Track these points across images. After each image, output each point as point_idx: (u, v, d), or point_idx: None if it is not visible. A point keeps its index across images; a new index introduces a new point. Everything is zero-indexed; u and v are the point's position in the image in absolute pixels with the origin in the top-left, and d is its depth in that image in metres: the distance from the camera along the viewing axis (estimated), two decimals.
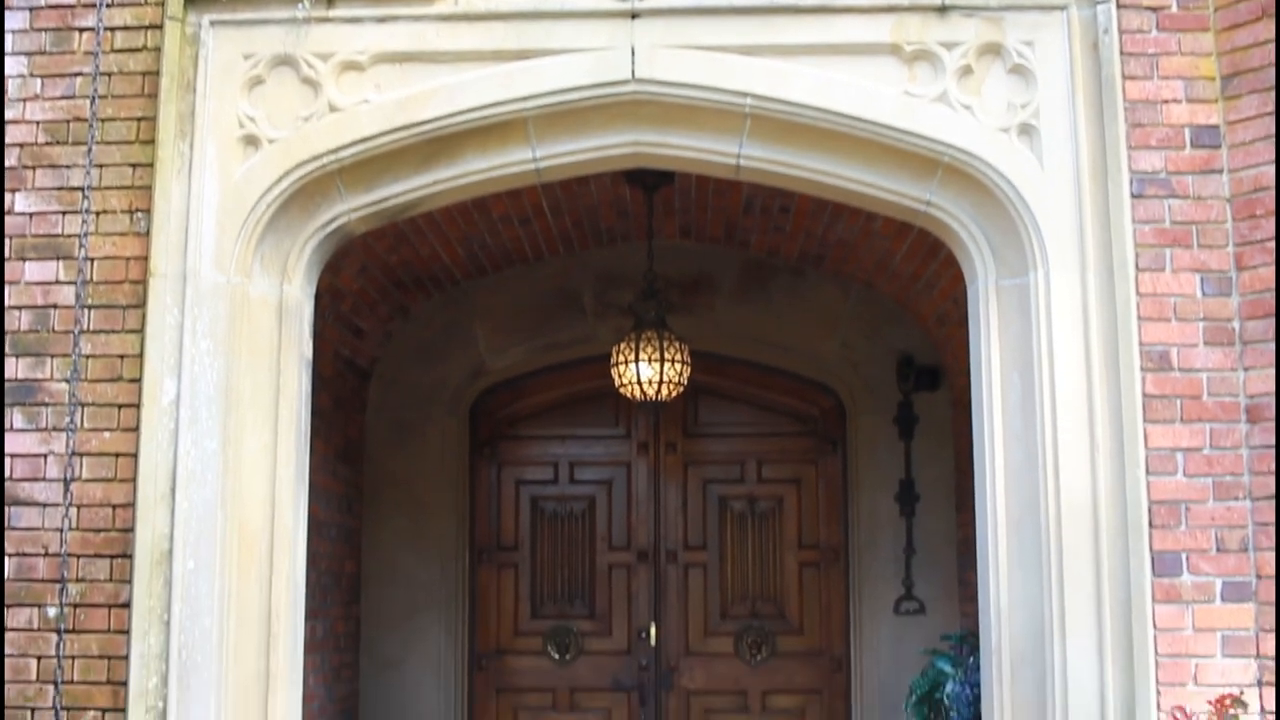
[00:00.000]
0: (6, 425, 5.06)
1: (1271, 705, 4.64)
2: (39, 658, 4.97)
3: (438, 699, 8.13)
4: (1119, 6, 5.04)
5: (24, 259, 5.15)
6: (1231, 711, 3.90)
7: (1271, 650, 4.68)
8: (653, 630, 8.27)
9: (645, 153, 5.43)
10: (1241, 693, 4.16)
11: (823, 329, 8.28)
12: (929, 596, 8.02)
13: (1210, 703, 3.96)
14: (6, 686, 4.94)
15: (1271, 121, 4.84)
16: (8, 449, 5.05)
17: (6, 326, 5.11)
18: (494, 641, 8.38)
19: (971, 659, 6.45)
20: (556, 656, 8.32)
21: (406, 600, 8.17)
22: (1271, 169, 4.81)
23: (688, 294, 8.26)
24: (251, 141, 5.18)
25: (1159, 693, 4.71)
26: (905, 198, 5.29)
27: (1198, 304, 4.91)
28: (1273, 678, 4.66)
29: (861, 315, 8.26)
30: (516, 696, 8.35)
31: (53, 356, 5.10)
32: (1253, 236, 4.87)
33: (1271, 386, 4.77)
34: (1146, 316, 4.91)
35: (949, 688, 6.56)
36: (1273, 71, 4.85)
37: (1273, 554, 4.71)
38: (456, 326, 8.37)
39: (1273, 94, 4.86)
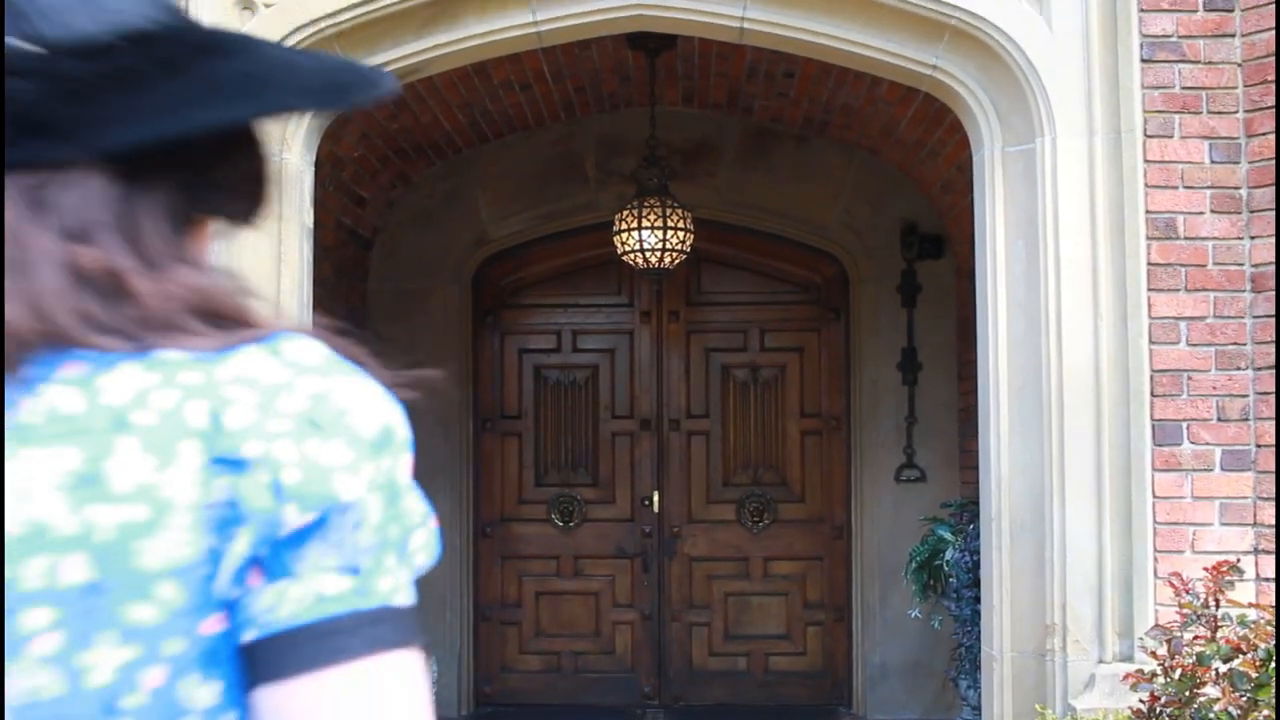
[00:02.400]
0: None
1: (1268, 572, 4.70)
2: None
3: (443, 566, 8.23)
4: None
5: None
6: (1228, 578, 3.94)
7: (1269, 518, 4.73)
8: (655, 498, 8.35)
9: (648, 15, 5.35)
10: (1238, 560, 4.20)
11: (826, 196, 8.23)
12: (930, 465, 8.08)
13: (1207, 569, 4.00)
14: None
15: None
16: None
17: None
18: (498, 509, 8.47)
19: (971, 526, 6.52)
20: (560, 524, 8.42)
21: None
22: None
23: (690, 161, 8.19)
24: (247, 6, 5.10)
25: (1156, 560, 4.77)
26: (911, 62, 5.22)
27: (1205, 171, 4.87)
28: (1270, 545, 4.71)
29: (865, 183, 8.20)
30: (521, 563, 8.46)
31: None
32: (1263, 102, 4.80)
33: (1275, 255, 4.75)
34: (1153, 184, 4.87)
35: (949, 555, 6.65)
36: None
37: (1273, 423, 4.73)
38: (458, 195, 8.32)
39: None
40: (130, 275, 0.95)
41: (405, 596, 0.95)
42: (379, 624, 0.92)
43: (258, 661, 0.91)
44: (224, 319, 0.96)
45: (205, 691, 0.91)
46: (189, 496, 0.90)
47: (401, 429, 1.02)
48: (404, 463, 1.01)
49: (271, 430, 0.91)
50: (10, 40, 0.96)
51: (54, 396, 0.91)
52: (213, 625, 0.91)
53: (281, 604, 0.91)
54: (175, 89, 1.00)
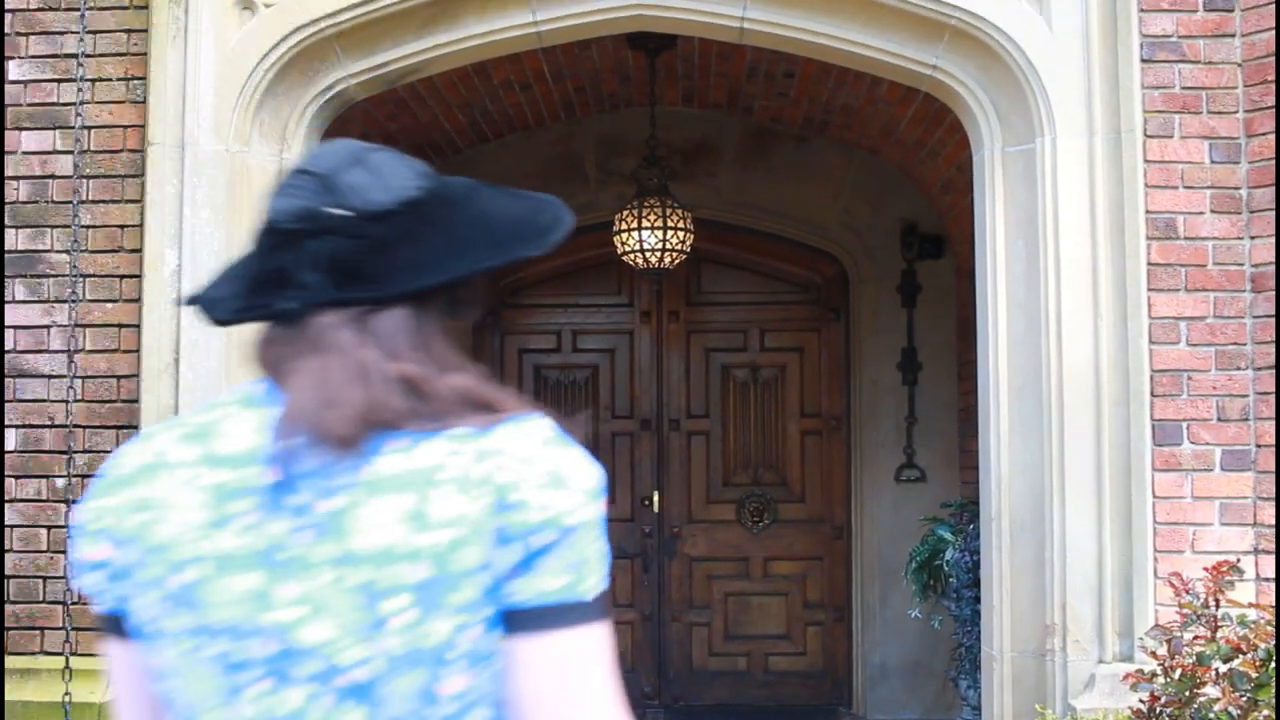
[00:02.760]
0: (8, 297, 5.06)
1: (1268, 572, 4.70)
2: (49, 527, 5.02)
3: None
4: None
5: (20, 128, 5.10)
6: (1228, 578, 3.94)
7: (1269, 518, 4.73)
8: (655, 498, 8.35)
9: (648, 15, 5.35)
10: (1238, 560, 4.20)
11: (826, 196, 8.23)
12: (930, 465, 8.08)
13: (1207, 569, 4.00)
14: (19, 555, 5.00)
15: None
16: (10, 320, 5.05)
17: (5, 197, 5.08)
18: None
19: (971, 526, 6.52)
20: None
21: None
22: None
23: (690, 161, 8.19)
24: (247, 6, 5.10)
25: (1156, 560, 4.77)
26: (911, 62, 5.22)
27: (1205, 171, 4.87)
28: (1270, 545, 4.71)
29: (865, 183, 8.21)
30: None
31: (52, 227, 5.08)
32: (1263, 102, 4.80)
33: (1275, 255, 4.74)
34: (1153, 184, 4.87)
35: (949, 555, 6.65)
36: None
37: (1273, 423, 4.73)
38: None
39: None
40: (428, 381, 1.42)
41: (598, 592, 1.43)
42: (580, 609, 1.41)
43: (511, 623, 1.39)
44: (483, 405, 1.42)
45: (486, 642, 1.39)
46: (480, 525, 1.37)
47: (601, 484, 1.47)
48: (603, 505, 1.47)
49: (528, 483, 1.39)
50: (330, 209, 1.42)
51: (388, 462, 1.38)
52: (492, 604, 1.39)
53: (528, 592, 1.39)
54: (440, 243, 1.46)
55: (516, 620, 1.40)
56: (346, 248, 1.42)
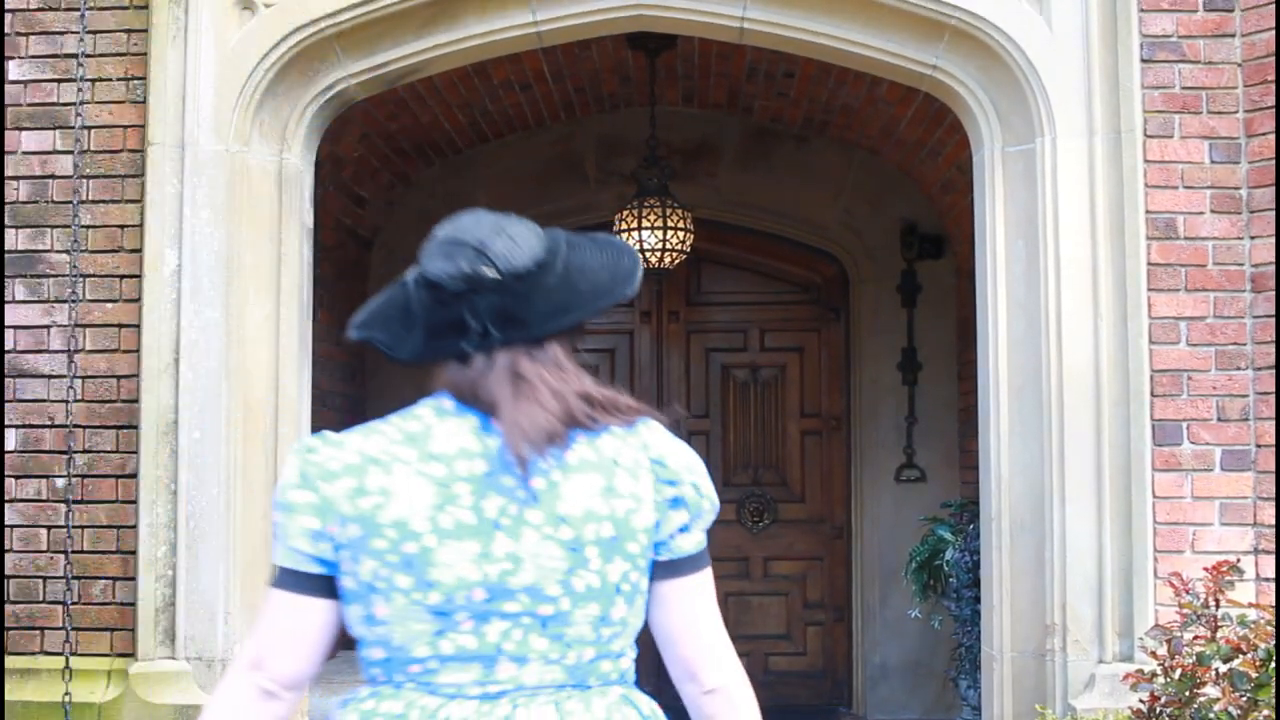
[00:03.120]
0: (8, 296, 5.06)
1: (1268, 572, 4.70)
2: (49, 527, 5.03)
3: None
4: None
5: (20, 128, 5.10)
6: (1228, 578, 3.94)
7: (1269, 518, 4.73)
8: None
9: (648, 15, 5.35)
10: (1238, 560, 4.20)
11: (826, 196, 8.23)
12: (930, 465, 8.08)
13: (1207, 569, 4.00)
14: (19, 555, 5.01)
15: None
16: (10, 320, 5.05)
17: (5, 197, 5.08)
18: None
19: (971, 526, 6.52)
20: None
21: None
22: None
23: (690, 161, 8.19)
24: (247, 6, 5.10)
25: (1156, 560, 4.77)
26: (911, 62, 5.22)
27: (1206, 171, 4.87)
28: (1270, 545, 4.71)
29: (865, 183, 8.21)
30: None
31: (52, 227, 5.08)
32: (1263, 102, 4.80)
33: (1275, 255, 4.75)
34: (1153, 184, 4.87)
35: (949, 555, 6.65)
36: None
37: (1273, 423, 4.73)
38: (458, 194, 8.30)
39: None
40: (593, 392, 1.96)
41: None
42: (705, 555, 2.03)
43: (663, 570, 1.99)
44: (620, 408, 1.98)
45: (642, 581, 1.95)
46: (650, 494, 1.95)
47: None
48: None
49: (679, 466, 2.00)
50: (489, 274, 1.88)
51: (578, 452, 1.91)
52: (651, 554, 1.96)
53: (685, 546, 2.00)
54: (563, 293, 1.94)
55: (670, 567, 2.00)
56: (504, 302, 1.90)
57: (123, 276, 5.06)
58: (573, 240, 1.99)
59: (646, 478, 1.95)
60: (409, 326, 1.96)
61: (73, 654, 4.91)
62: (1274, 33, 4.77)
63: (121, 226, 5.07)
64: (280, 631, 1.93)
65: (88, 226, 5.06)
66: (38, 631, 5.01)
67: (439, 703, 1.87)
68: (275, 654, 1.91)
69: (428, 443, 1.91)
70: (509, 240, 1.91)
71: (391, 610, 1.86)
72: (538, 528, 1.87)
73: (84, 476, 5.02)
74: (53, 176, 5.09)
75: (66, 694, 4.82)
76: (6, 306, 5.06)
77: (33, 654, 5.00)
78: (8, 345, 5.05)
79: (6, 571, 5.00)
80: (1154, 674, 3.95)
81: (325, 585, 1.91)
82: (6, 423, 5.03)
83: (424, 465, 1.88)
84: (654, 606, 1.99)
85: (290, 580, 1.92)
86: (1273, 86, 4.76)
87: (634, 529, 1.91)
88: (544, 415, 1.88)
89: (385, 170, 7.70)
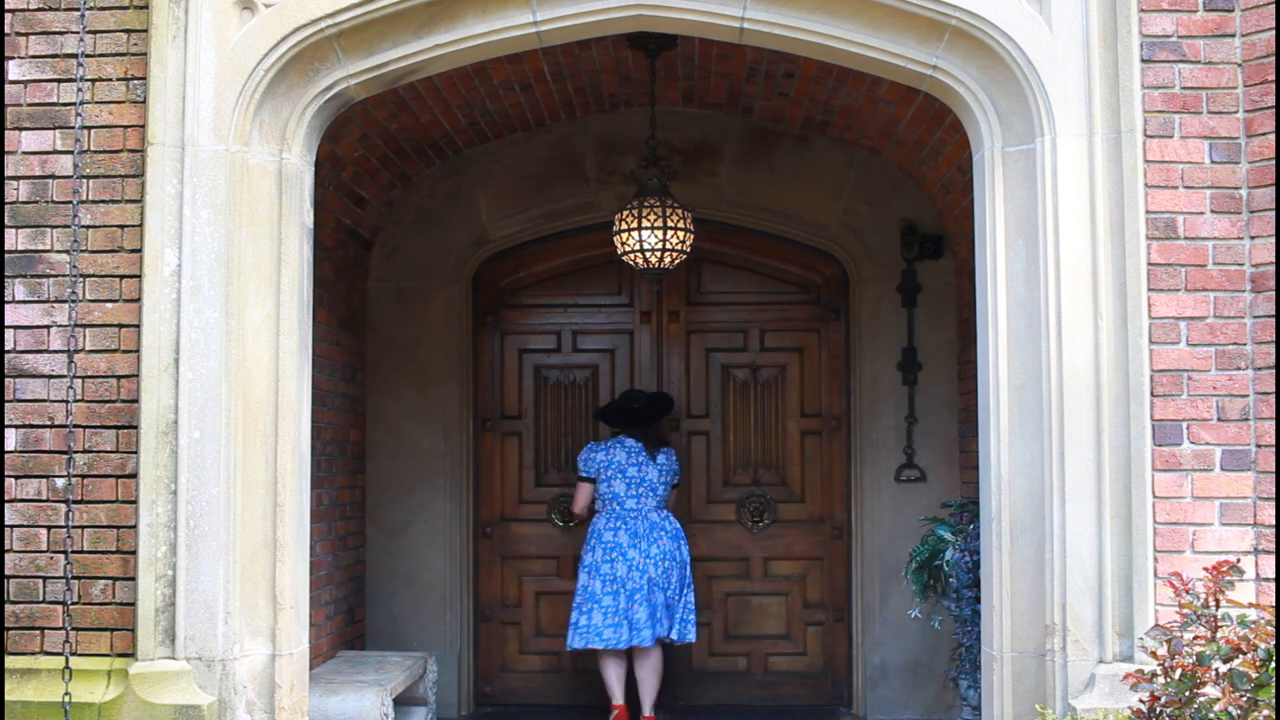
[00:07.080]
0: (8, 297, 5.06)
1: (1268, 572, 4.70)
2: (49, 527, 5.03)
3: (443, 566, 8.25)
4: None
5: (20, 128, 5.11)
6: (1228, 578, 3.94)
7: (1269, 518, 4.73)
8: None
9: (648, 15, 5.36)
10: (1238, 560, 4.21)
11: (826, 196, 8.23)
12: (930, 465, 8.08)
13: (1207, 569, 4.00)
14: (19, 555, 5.01)
15: None
16: (10, 320, 5.05)
17: (5, 197, 5.08)
18: (498, 509, 8.48)
19: (971, 526, 6.52)
20: (560, 524, 8.43)
21: (411, 469, 8.23)
22: None
23: (690, 161, 8.19)
24: (247, 6, 5.11)
25: (1156, 560, 4.77)
26: (911, 62, 5.22)
27: (1205, 171, 4.87)
28: (1270, 545, 4.71)
29: (865, 183, 8.20)
30: (521, 563, 8.47)
31: (52, 227, 5.08)
32: (1263, 102, 4.81)
33: (1275, 255, 4.75)
34: (1153, 184, 4.88)
35: (949, 555, 6.65)
36: None
37: (1273, 423, 4.73)
38: (458, 195, 8.32)
39: None
40: (664, 434, 8.07)
41: None
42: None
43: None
44: (665, 440, 7.95)
45: (672, 479, 7.81)
46: (672, 468, 7.78)
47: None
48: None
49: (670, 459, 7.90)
50: (644, 406, 7.82)
51: (661, 452, 7.83)
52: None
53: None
54: (651, 409, 7.80)
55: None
56: (649, 413, 7.73)
57: (123, 276, 5.06)
58: (633, 390, 7.85)
59: (672, 462, 7.67)
60: (615, 411, 7.81)
61: (73, 654, 4.91)
62: (1274, 33, 4.78)
63: (121, 226, 5.07)
64: (586, 499, 7.70)
65: (88, 226, 5.07)
66: (38, 631, 5.02)
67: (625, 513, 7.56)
68: (582, 503, 7.74)
69: (626, 442, 7.61)
70: (644, 396, 7.82)
71: (614, 486, 7.55)
72: (657, 469, 7.56)
73: (84, 476, 5.02)
74: (53, 176, 5.09)
75: (66, 694, 4.83)
76: (6, 306, 5.06)
77: (33, 654, 5.00)
78: (8, 345, 5.05)
79: (6, 571, 5.01)
80: (1154, 674, 3.95)
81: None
82: (6, 423, 5.03)
83: (625, 449, 7.59)
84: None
85: (587, 480, 7.69)
86: (1273, 86, 4.77)
87: (670, 476, 7.67)
88: (659, 441, 7.66)
89: (385, 170, 7.70)
